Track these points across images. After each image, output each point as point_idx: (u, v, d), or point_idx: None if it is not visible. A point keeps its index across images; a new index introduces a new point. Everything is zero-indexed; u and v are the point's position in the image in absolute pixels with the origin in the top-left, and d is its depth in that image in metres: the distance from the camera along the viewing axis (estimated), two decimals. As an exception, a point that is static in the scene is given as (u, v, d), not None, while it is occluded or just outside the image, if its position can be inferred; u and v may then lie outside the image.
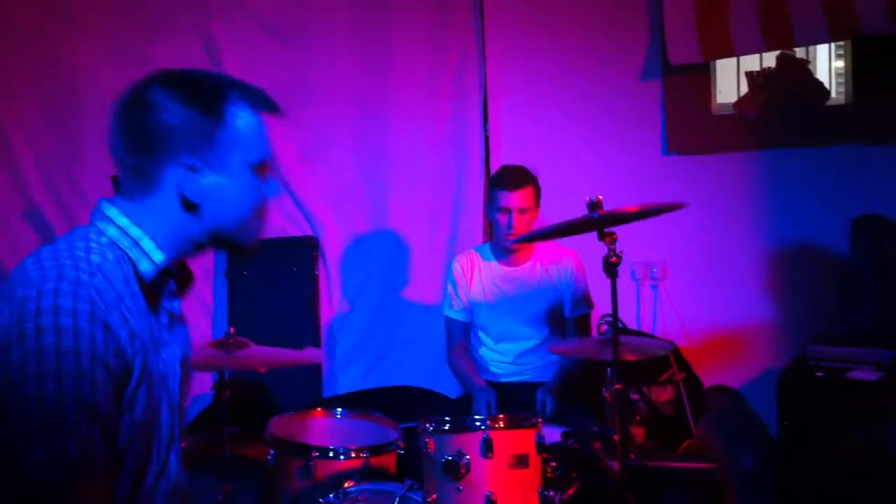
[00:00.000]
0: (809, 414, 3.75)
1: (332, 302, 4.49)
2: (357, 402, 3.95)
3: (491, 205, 3.65)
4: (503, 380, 3.68)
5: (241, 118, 1.60)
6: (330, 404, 3.77)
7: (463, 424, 2.70)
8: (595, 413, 3.29)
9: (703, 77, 4.40)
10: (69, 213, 4.37)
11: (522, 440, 2.70)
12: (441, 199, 4.46)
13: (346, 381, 4.45)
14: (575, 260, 3.70)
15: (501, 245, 3.67)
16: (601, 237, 2.85)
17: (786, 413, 3.85)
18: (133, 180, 1.59)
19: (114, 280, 1.50)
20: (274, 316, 4.30)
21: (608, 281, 2.90)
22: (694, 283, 4.43)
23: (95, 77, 4.29)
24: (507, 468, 2.66)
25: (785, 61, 4.40)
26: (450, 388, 4.22)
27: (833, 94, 4.44)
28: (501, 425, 2.68)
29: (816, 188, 4.33)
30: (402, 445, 3.04)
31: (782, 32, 4.06)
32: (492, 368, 3.72)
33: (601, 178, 4.34)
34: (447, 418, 2.74)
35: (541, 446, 2.71)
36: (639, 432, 3.84)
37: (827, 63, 4.63)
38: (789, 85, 4.37)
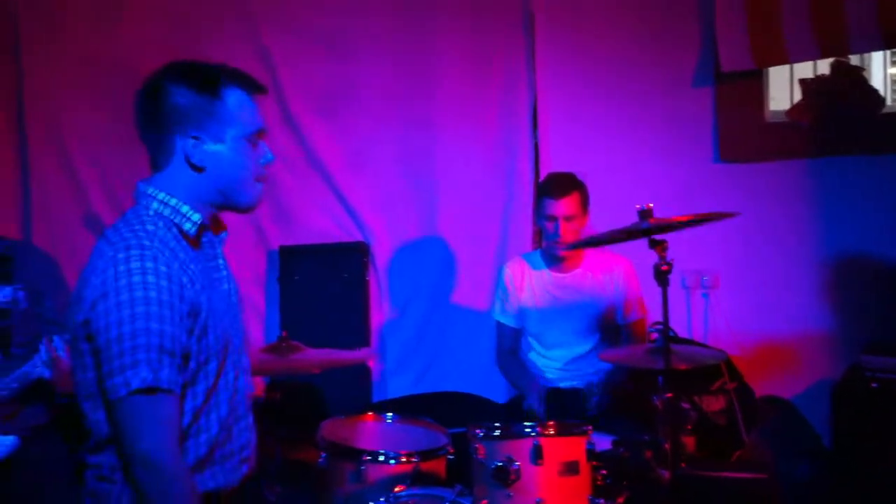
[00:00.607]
0: (863, 425, 3.70)
1: (381, 307, 4.54)
2: (407, 408, 3.98)
3: (539, 212, 3.67)
4: (552, 385, 3.67)
5: (235, 97, 1.99)
6: (380, 409, 3.80)
7: (513, 431, 2.70)
8: (645, 422, 3.28)
9: (756, 84, 4.36)
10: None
11: (573, 447, 2.69)
12: (490, 206, 4.48)
13: (395, 386, 4.49)
14: (627, 267, 3.70)
15: (551, 252, 3.68)
16: (652, 245, 2.85)
17: (839, 424, 3.80)
18: (155, 153, 1.99)
19: (166, 241, 1.90)
20: (325, 321, 4.35)
21: (658, 289, 2.89)
22: (746, 291, 4.38)
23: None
24: (556, 475, 2.65)
25: (839, 68, 4.34)
26: (498, 393, 4.23)
27: (888, 102, 4.38)
28: (552, 432, 2.68)
29: (870, 196, 4.26)
30: (451, 451, 3.05)
31: (837, 40, 4.02)
32: (542, 375, 3.72)
33: (652, 185, 4.31)
34: (497, 424, 2.75)
35: (591, 454, 2.71)
36: (689, 441, 3.81)
37: (882, 70, 4.58)
38: (844, 92, 4.31)
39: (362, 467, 2.93)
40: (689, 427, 3.86)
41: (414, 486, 2.88)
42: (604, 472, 2.77)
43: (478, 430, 2.72)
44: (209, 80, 1.98)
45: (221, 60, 4.32)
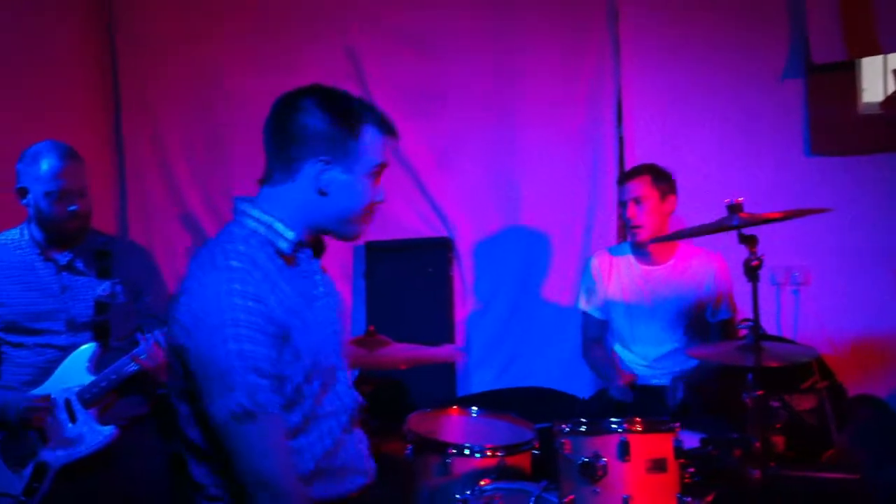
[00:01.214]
0: (962, 426, 3.59)
1: (466, 302, 4.57)
2: (491, 402, 4.00)
3: (619, 202, 3.68)
4: (639, 382, 3.65)
5: (370, 136, 2.01)
6: (464, 403, 3.82)
7: (600, 427, 2.69)
8: (734, 420, 3.24)
9: (848, 76, 4.25)
10: (220, 217, 4.61)
11: (660, 444, 2.67)
12: (574, 201, 4.48)
13: (479, 380, 4.52)
14: (719, 263, 3.65)
15: (630, 242, 3.67)
16: (742, 240, 2.81)
17: (937, 425, 3.69)
18: (280, 168, 1.98)
19: (258, 262, 1.91)
20: (410, 316, 4.41)
21: (747, 285, 2.86)
22: (837, 288, 4.28)
23: (244, 89, 4.54)
24: (644, 472, 2.64)
25: (936, 59, 4.21)
26: (582, 389, 4.23)
27: None
28: (639, 429, 2.67)
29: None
30: (536, 446, 3.06)
31: (933, 29, 3.90)
32: (632, 371, 3.69)
33: (740, 179, 4.25)
34: (583, 420, 2.75)
35: (679, 451, 2.68)
36: (779, 441, 3.73)
37: (980, 59, 4.41)
38: (941, 83, 4.18)
39: (448, 460, 2.97)
40: (779, 426, 3.79)
41: (499, 480, 2.90)
42: (691, 469, 2.75)
43: (564, 426, 2.72)
44: (351, 114, 1.99)
45: (310, 61, 4.49)
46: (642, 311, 3.66)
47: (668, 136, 4.40)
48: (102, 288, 2.96)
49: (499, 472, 2.94)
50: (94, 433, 2.84)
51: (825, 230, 4.13)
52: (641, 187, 3.58)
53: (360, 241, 4.62)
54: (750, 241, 2.79)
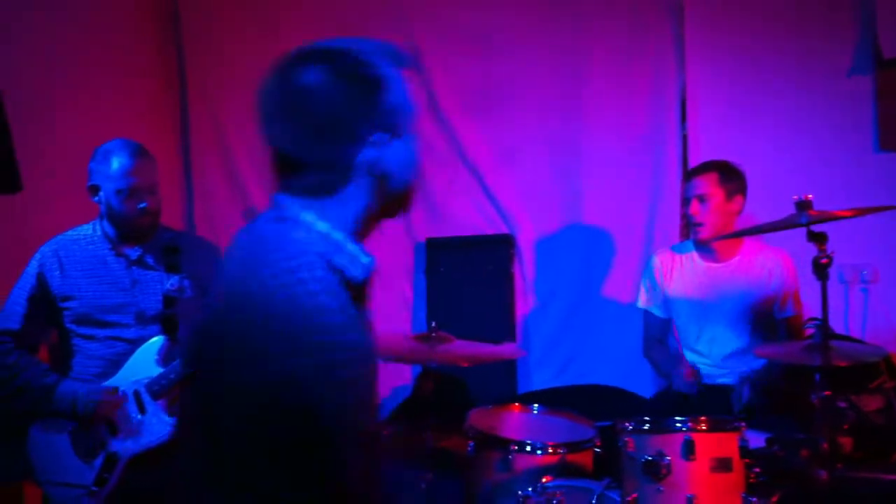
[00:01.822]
0: None
1: (526, 299, 4.57)
2: (551, 400, 3.99)
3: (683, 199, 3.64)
4: (704, 381, 3.61)
5: (395, 79, 1.53)
6: (525, 400, 3.83)
7: (664, 425, 2.68)
8: (800, 420, 3.19)
9: (920, 70, 4.16)
10: (283, 213, 4.66)
11: (725, 444, 2.65)
12: (637, 199, 4.45)
13: (539, 377, 4.51)
14: (785, 261, 3.59)
15: (693, 240, 3.63)
16: (811, 238, 2.77)
17: None
18: (324, 176, 1.50)
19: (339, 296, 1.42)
20: (470, 312, 4.41)
21: (813, 283, 2.82)
22: (908, 286, 4.19)
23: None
24: (708, 471, 2.62)
25: None
26: (644, 387, 4.20)
27: None
28: (704, 427, 2.65)
29: None
30: (598, 444, 3.05)
31: None
32: (696, 369, 3.65)
33: (808, 176, 4.16)
34: (647, 418, 2.73)
35: (744, 451, 2.66)
36: (846, 442, 3.67)
37: None
38: None
39: (510, 456, 2.97)
40: (846, 427, 3.72)
41: (561, 476, 2.90)
42: (757, 469, 2.72)
43: (627, 424, 2.71)
44: (365, 65, 1.51)
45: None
46: (706, 310, 3.61)
47: (733, 134, 4.34)
48: (171, 282, 3.02)
49: (560, 469, 2.94)
50: (162, 424, 2.90)
51: (894, 227, 4.04)
52: (706, 185, 3.53)
53: (422, 238, 4.65)
54: (819, 238, 2.75)
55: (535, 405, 3.37)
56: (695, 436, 2.62)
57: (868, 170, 4.19)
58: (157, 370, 2.94)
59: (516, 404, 3.41)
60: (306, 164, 1.51)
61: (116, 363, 2.96)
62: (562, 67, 4.51)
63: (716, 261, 3.64)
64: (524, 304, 4.57)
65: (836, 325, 4.15)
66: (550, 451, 2.98)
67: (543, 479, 2.87)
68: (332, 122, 1.48)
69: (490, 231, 4.59)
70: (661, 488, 2.60)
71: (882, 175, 4.16)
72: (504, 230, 4.57)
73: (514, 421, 3.32)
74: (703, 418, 2.69)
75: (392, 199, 1.58)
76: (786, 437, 3.04)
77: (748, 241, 3.64)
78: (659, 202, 4.42)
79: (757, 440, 2.88)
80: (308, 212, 1.50)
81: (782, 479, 2.84)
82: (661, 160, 4.42)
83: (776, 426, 3.20)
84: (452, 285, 4.52)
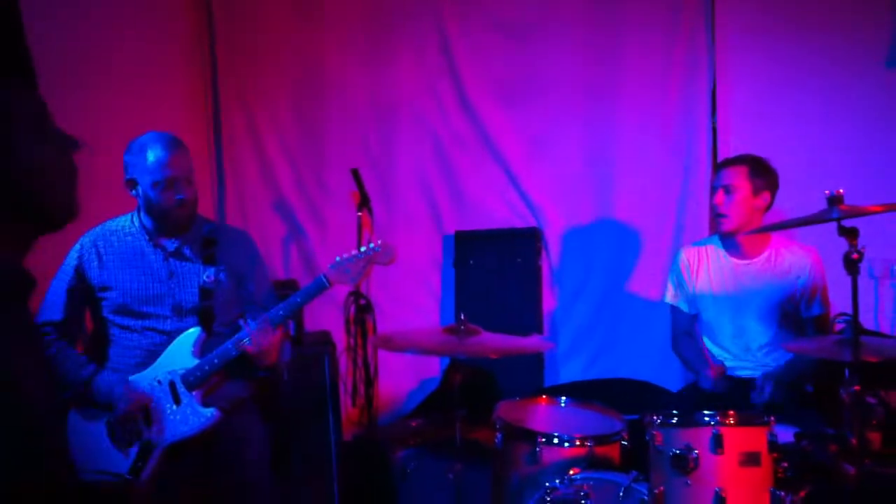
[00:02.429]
0: None
1: (554, 292, 4.58)
2: (578, 393, 4.00)
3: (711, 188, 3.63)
4: (729, 374, 3.60)
5: None
6: (552, 393, 3.83)
7: (692, 419, 2.68)
8: (829, 415, 3.18)
9: (956, 63, 4.12)
10: (313, 205, 4.71)
11: (754, 438, 2.65)
12: (666, 193, 4.45)
13: (567, 371, 4.53)
14: (814, 257, 3.56)
15: (720, 235, 3.62)
16: (842, 233, 2.75)
17: None
18: None
19: None
20: (498, 305, 4.44)
21: (842, 278, 2.80)
22: (939, 282, 4.16)
23: (339, 77, 4.63)
24: (737, 465, 2.62)
25: None
26: (672, 382, 4.19)
27: None
28: (732, 422, 2.64)
29: None
30: (626, 437, 3.06)
31: None
32: (723, 364, 3.64)
33: (839, 170, 4.16)
34: (675, 412, 2.74)
35: (773, 445, 2.65)
36: (875, 437, 3.66)
37: None
38: None
39: (537, 449, 2.98)
40: (875, 422, 3.71)
41: (588, 469, 2.91)
42: (785, 464, 2.71)
43: (655, 417, 2.72)
44: None
45: (404, 50, 4.58)
46: (733, 305, 3.60)
47: (763, 127, 4.34)
48: (207, 274, 3.05)
49: (588, 462, 2.95)
50: (196, 415, 2.93)
51: (927, 222, 4.01)
52: (735, 176, 3.52)
53: (450, 230, 4.67)
54: (850, 233, 2.73)
55: (563, 398, 3.36)
56: (723, 430, 2.61)
57: (900, 164, 4.17)
58: (193, 361, 2.97)
59: (544, 397, 3.40)
60: None
61: (153, 353, 3.00)
62: (592, 59, 4.51)
63: (743, 257, 3.62)
64: (552, 297, 4.58)
65: (866, 320, 4.14)
66: (578, 443, 2.98)
67: (571, 472, 2.88)
68: None
69: (518, 224, 4.60)
70: (689, 482, 2.60)
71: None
72: (532, 223, 4.58)
73: (542, 413, 3.32)
74: (731, 412, 2.69)
75: None
76: (814, 432, 3.03)
77: (776, 237, 3.62)
78: (688, 196, 4.42)
79: (785, 435, 2.87)
80: None
81: (811, 474, 2.83)
82: (692, 153, 4.42)
83: (805, 421, 3.20)
84: (481, 278, 4.54)
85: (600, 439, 3.02)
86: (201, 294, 3.04)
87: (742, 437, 2.64)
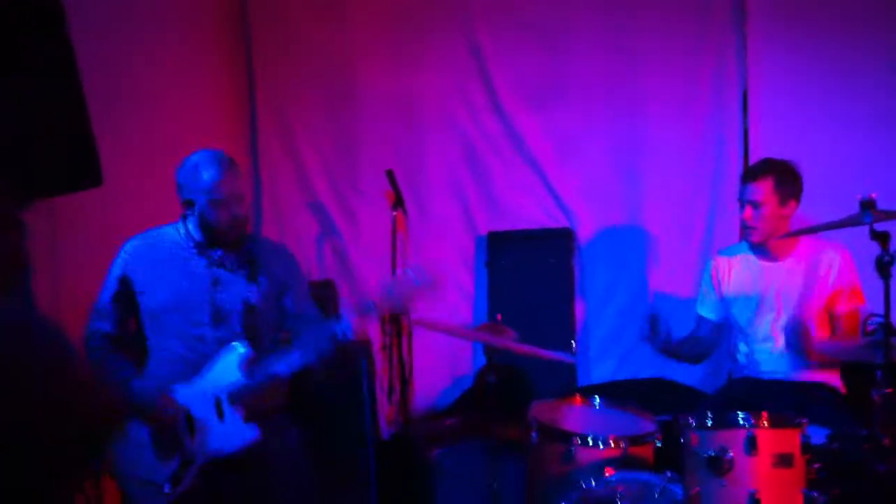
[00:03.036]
0: None
1: (586, 292, 4.62)
2: (611, 393, 4.03)
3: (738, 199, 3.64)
4: (766, 377, 3.63)
5: None
6: (586, 393, 3.87)
7: (726, 420, 2.73)
8: (861, 416, 3.21)
9: None
10: (347, 206, 4.80)
11: (787, 439, 2.70)
12: (697, 195, 4.47)
13: (599, 370, 4.56)
14: (843, 255, 3.57)
15: (746, 239, 3.64)
16: (874, 236, 2.79)
17: None
18: None
19: None
20: (531, 304, 4.48)
21: (876, 280, 2.83)
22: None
23: (371, 79, 4.70)
24: (770, 467, 2.67)
25: None
26: (705, 382, 4.22)
27: None
28: (766, 424, 2.70)
29: None
30: (659, 437, 3.10)
31: None
32: (750, 367, 3.67)
33: (871, 173, 4.12)
34: (709, 413, 2.78)
35: (806, 447, 2.70)
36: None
37: None
38: None
39: (572, 449, 3.04)
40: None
41: (623, 469, 2.96)
42: (817, 465, 2.76)
43: (690, 419, 2.77)
44: None
45: (435, 56, 4.63)
46: (765, 307, 3.62)
47: (795, 130, 4.32)
48: (251, 290, 3.04)
49: (622, 462, 3.00)
50: (239, 432, 2.92)
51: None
52: (761, 192, 3.51)
53: (483, 231, 4.73)
54: (882, 237, 2.77)
55: (597, 398, 3.39)
56: (757, 432, 2.67)
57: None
58: (239, 378, 2.94)
59: (578, 397, 3.45)
60: None
61: (194, 362, 2.98)
62: (622, 62, 4.53)
63: (772, 259, 3.63)
64: (584, 297, 4.62)
65: (897, 321, 4.14)
66: (612, 444, 3.03)
67: (605, 472, 2.93)
68: None
69: (550, 224, 4.64)
70: (724, 483, 2.66)
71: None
72: (564, 224, 4.63)
73: (576, 414, 3.36)
74: (764, 414, 2.74)
75: None
76: (847, 433, 3.07)
77: (804, 238, 3.63)
78: (719, 198, 4.43)
79: (818, 436, 2.91)
80: None
81: (843, 475, 2.87)
82: (722, 156, 4.43)
83: (838, 422, 3.23)
84: (513, 278, 4.59)
85: (634, 440, 3.06)
86: (245, 310, 3.02)
87: (776, 439, 2.69)
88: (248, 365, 2.95)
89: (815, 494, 2.68)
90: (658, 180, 4.51)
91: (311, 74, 4.83)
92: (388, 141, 4.78)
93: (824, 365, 3.52)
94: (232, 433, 2.93)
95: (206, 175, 2.95)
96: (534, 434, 3.15)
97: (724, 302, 3.72)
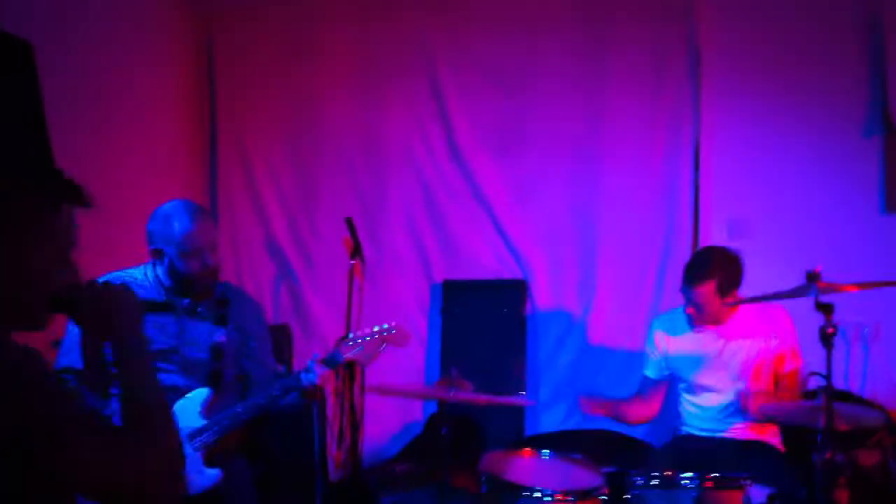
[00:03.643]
0: None
1: (537, 342, 4.68)
2: (560, 443, 4.10)
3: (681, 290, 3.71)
4: (709, 434, 3.70)
5: None
6: (534, 443, 3.93)
7: (671, 482, 2.80)
8: (800, 475, 3.30)
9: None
10: (304, 248, 4.80)
11: (730, 501, 2.77)
12: (649, 249, 4.57)
13: (547, 419, 4.61)
14: (783, 316, 3.68)
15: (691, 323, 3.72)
16: (818, 307, 2.88)
17: None
18: None
19: None
20: (483, 352, 4.54)
21: (817, 338, 2.93)
22: (908, 344, 4.30)
23: (334, 118, 4.73)
24: (713, 527, 2.74)
25: None
26: (650, 434, 4.29)
27: None
28: (710, 485, 2.77)
29: None
30: (605, 491, 3.15)
31: None
32: (695, 424, 3.76)
33: (815, 234, 4.28)
34: (655, 473, 2.85)
35: (747, 507, 2.78)
36: (843, 496, 3.77)
37: None
38: None
39: (521, 501, 3.08)
40: (843, 481, 3.82)
41: (570, 523, 3.00)
42: (759, 525, 2.83)
43: (638, 478, 2.83)
44: None
45: (397, 96, 4.67)
46: (707, 366, 3.69)
47: (745, 187, 4.47)
48: (219, 334, 3.04)
49: (569, 517, 3.04)
50: (200, 476, 2.91)
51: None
52: (703, 296, 3.57)
53: (438, 279, 4.77)
54: (826, 309, 2.86)
55: (546, 451, 3.44)
56: (702, 493, 2.73)
57: (874, 231, 4.34)
58: (200, 422, 2.94)
59: (528, 449, 3.49)
60: None
61: None
62: (580, 111, 4.63)
63: (715, 321, 3.71)
64: (535, 346, 4.68)
65: (837, 379, 4.24)
66: (559, 497, 3.07)
67: (553, 526, 2.97)
68: None
69: (505, 273, 4.71)
70: (668, 542, 2.72)
71: (887, 236, 4.28)
72: (518, 273, 4.70)
73: (526, 465, 3.41)
74: (709, 476, 2.81)
75: None
76: (787, 493, 3.16)
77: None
78: (671, 249, 4.54)
79: (759, 496, 2.99)
80: None
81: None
82: (674, 211, 4.55)
83: (781, 481, 3.30)
84: (466, 326, 4.65)
85: (581, 494, 3.09)
86: (213, 353, 3.03)
87: (720, 500, 2.76)
88: (210, 408, 2.96)
89: (755, 555, 2.76)
90: (613, 232, 4.61)
91: (274, 114, 4.85)
92: (348, 181, 4.79)
93: (765, 423, 3.62)
94: (193, 477, 2.91)
95: (178, 226, 2.94)
96: (484, 486, 3.19)
97: (668, 361, 3.79)
